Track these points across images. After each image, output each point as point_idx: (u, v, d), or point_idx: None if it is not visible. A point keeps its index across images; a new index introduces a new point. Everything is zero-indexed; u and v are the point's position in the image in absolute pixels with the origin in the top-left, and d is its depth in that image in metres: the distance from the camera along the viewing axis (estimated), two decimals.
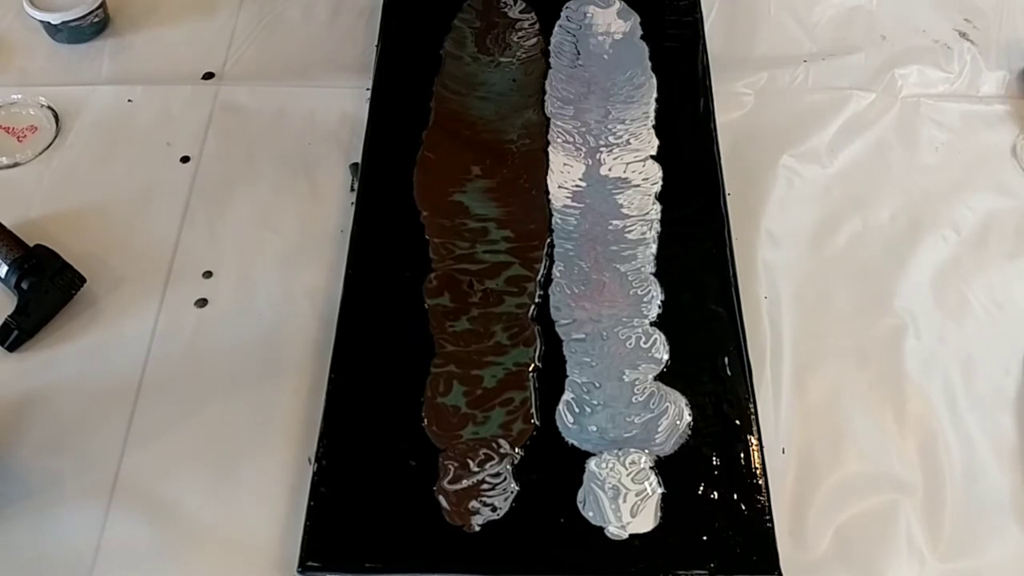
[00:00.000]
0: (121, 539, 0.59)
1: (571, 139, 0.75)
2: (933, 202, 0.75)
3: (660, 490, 0.59)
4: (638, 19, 0.83)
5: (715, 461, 0.60)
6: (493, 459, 0.60)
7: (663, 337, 0.65)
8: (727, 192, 0.72)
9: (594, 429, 0.61)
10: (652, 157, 0.74)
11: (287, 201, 0.74)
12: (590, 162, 0.74)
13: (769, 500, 0.58)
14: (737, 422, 0.61)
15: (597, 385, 0.63)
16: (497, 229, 0.70)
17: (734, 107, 0.80)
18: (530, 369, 0.63)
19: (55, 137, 0.78)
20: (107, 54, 0.84)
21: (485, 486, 0.59)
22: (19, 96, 0.80)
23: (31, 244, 0.69)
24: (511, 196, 0.72)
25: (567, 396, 0.62)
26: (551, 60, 0.81)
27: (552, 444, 0.61)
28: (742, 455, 0.60)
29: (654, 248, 0.69)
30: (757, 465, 0.59)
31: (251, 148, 0.77)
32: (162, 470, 0.61)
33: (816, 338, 0.67)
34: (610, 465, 0.59)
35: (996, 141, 0.79)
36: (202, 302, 0.69)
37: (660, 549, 0.57)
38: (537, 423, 0.61)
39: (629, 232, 0.70)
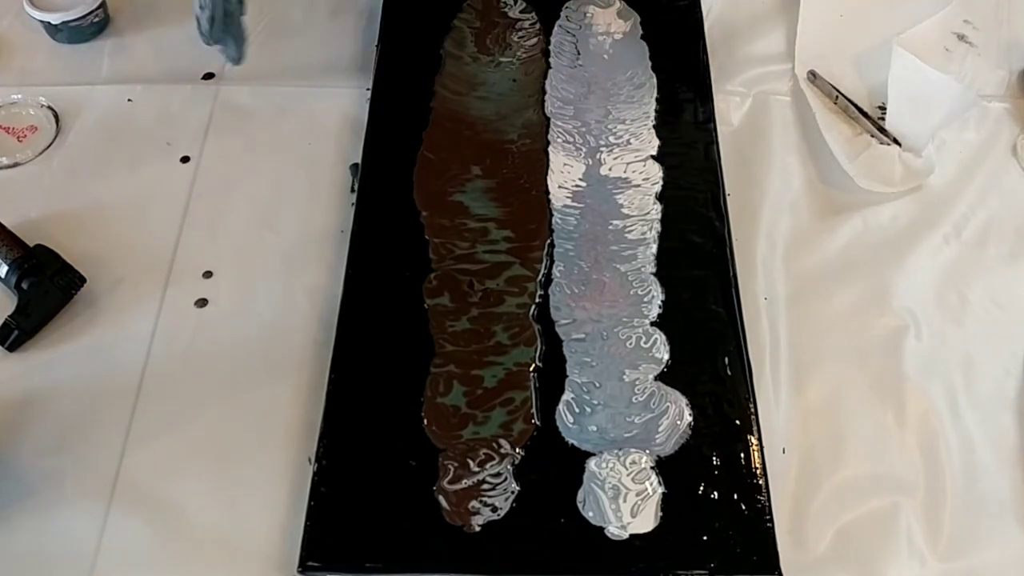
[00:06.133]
0: (121, 539, 0.59)
1: (571, 139, 0.75)
2: (933, 202, 0.75)
3: (660, 490, 0.59)
4: (638, 19, 0.83)
5: (715, 461, 0.60)
6: (493, 459, 0.60)
7: (663, 337, 0.65)
8: (727, 192, 0.72)
9: (594, 429, 0.61)
10: (652, 157, 0.74)
11: (287, 201, 0.74)
12: (590, 162, 0.74)
13: (769, 500, 0.58)
14: (737, 422, 0.61)
15: (597, 385, 0.63)
16: (497, 229, 0.70)
17: (734, 107, 0.80)
18: (531, 369, 0.63)
19: (55, 137, 0.78)
20: (107, 54, 0.84)
21: (485, 486, 0.59)
22: (19, 96, 0.80)
23: (31, 244, 0.69)
24: (511, 196, 0.72)
25: (567, 396, 0.62)
26: (551, 60, 0.81)
27: (552, 444, 0.61)
28: (742, 455, 0.60)
29: (654, 248, 0.69)
30: (757, 465, 0.59)
31: (251, 148, 0.77)
32: (162, 470, 0.61)
33: (816, 338, 0.67)
34: (610, 465, 0.60)
35: (996, 141, 0.78)
36: (202, 302, 0.69)
37: (660, 549, 0.57)
38: (538, 423, 0.61)
39: (629, 232, 0.70)
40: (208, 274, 0.70)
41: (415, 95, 0.78)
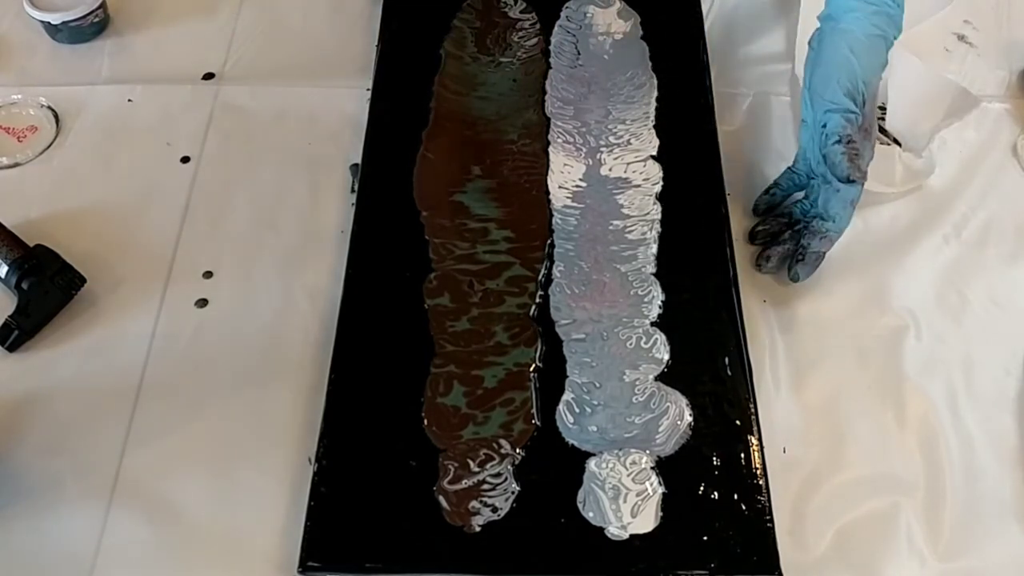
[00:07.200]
0: (121, 539, 0.59)
1: (571, 139, 0.75)
2: (933, 202, 0.75)
3: (661, 490, 0.59)
4: (638, 19, 0.83)
5: (715, 461, 0.60)
6: (494, 459, 0.60)
7: (663, 337, 0.65)
8: (727, 192, 0.72)
9: (594, 429, 0.61)
10: (653, 157, 0.74)
11: (287, 201, 0.74)
12: (590, 162, 0.74)
13: (769, 500, 0.58)
14: (737, 422, 0.61)
15: (597, 385, 0.63)
16: (497, 229, 0.70)
17: (734, 107, 0.80)
18: (531, 369, 0.63)
19: (55, 137, 0.78)
20: (107, 54, 0.84)
21: (486, 486, 0.59)
22: (19, 96, 0.80)
23: (31, 244, 0.69)
24: (511, 196, 0.72)
25: (567, 396, 0.62)
26: (551, 60, 0.81)
27: (552, 444, 0.61)
28: (742, 455, 0.60)
29: (654, 248, 0.69)
30: (757, 465, 0.59)
31: (251, 148, 0.77)
32: (162, 470, 0.61)
33: (816, 338, 0.67)
34: (610, 465, 0.60)
35: (996, 141, 0.79)
36: (202, 302, 0.69)
37: (660, 549, 0.57)
38: (538, 423, 0.61)
39: (629, 232, 0.70)
40: (208, 274, 0.70)
41: (415, 95, 0.78)
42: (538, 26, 0.83)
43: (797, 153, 0.70)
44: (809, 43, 0.68)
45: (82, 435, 0.62)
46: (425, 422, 0.61)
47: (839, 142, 0.63)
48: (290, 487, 0.60)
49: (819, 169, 0.67)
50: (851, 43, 0.64)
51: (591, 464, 0.60)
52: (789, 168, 0.71)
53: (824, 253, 0.68)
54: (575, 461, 0.60)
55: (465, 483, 0.59)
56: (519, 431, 0.61)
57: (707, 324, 0.65)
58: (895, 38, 0.66)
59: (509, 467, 0.59)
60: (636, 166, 0.74)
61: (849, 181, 0.63)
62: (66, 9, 0.81)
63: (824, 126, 0.64)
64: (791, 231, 0.70)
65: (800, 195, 0.71)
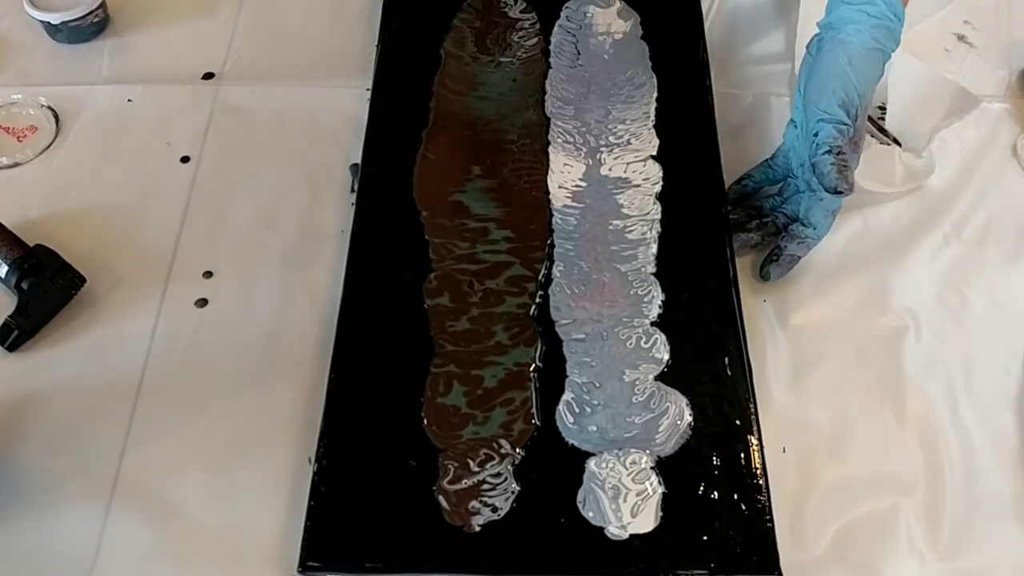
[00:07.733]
0: (121, 539, 0.59)
1: (571, 139, 0.75)
2: (933, 202, 0.75)
3: (661, 490, 0.59)
4: (638, 19, 0.83)
5: (715, 461, 0.60)
6: (494, 459, 0.60)
7: (663, 337, 0.65)
8: (727, 192, 0.72)
9: (594, 429, 0.61)
10: (653, 157, 0.74)
11: (287, 201, 0.74)
12: (590, 162, 0.74)
13: (769, 500, 0.58)
14: (737, 422, 0.61)
15: (597, 385, 0.63)
16: (497, 229, 0.70)
17: (734, 107, 0.80)
18: (531, 369, 0.63)
19: (55, 137, 0.78)
20: (107, 54, 0.84)
21: (486, 486, 0.59)
22: (19, 96, 0.80)
23: (31, 244, 0.69)
24: (511, 196, 0.72)
25: (567, 396, 0.62)
26: (551, 60, 0.81)
27: (552, 444, 0.61)
28: (742, 455, 0.60)
29: (654, 248, 0.69)
30: (757, 465, 0.59)
31: (251, 148, 0.77)
32: (162, 470, 0.61)
33: (816, 338, 0.67)
34: (610, 465, 0.60)
35: (996, 141, 0.79)
36: (202, 302, 0.69)
37: (660, 549, 0.57)
38: (538, 423, 0.61)
39: (629, 232, 0.70)
40: (208, 274, 0.70)
41: (415, 95, 0.78)
42: (538, 26, 0.83)
43: (778, 149, 0.70)
44: (807, 48, 0.67)
45: (82, 435, 0.62)
46: (425, 422, 0.61)
47: (829, 152, 0.63)
48: (290, 487, 0.60)
49: (805, 176, 0.67)
50: (850, 55, 0.64)
51: (591, 464, 0.60)
52: (766, 161, 0.71)
53: (799, 257, 0.68)
54: (575, 461, 0.60)
55: (465, 483, 0.59)
56: (519, 431, 0.61)
57: (707, 324, 0.65)
58: (893, 51, 0.66)
59: (509, 467, 0.59)
60: (636, 166, 0.74)
61: (836, 192, 0.63)
62: (66, 9, 0.81)
63: (815, 135, 0.64)
64: (758, 222, 0.70)
65: (773, 190, 0.72)
